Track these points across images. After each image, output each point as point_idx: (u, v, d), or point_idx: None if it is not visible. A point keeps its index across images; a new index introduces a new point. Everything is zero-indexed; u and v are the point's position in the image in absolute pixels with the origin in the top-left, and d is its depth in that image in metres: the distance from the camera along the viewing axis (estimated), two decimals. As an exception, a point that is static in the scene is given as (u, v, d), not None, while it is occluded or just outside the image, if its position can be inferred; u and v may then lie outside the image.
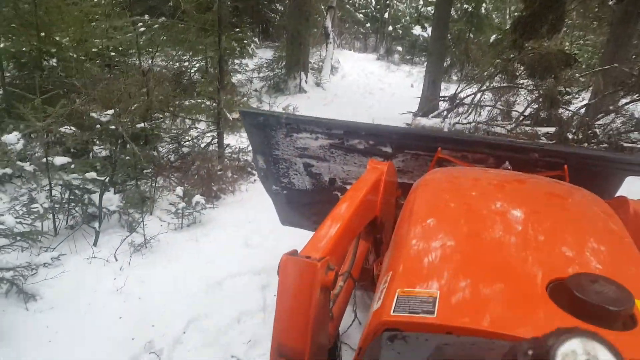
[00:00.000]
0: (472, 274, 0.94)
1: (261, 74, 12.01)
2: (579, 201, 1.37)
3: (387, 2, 22.08)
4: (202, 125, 5.31)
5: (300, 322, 1.01)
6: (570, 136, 6.53)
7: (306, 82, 11.73)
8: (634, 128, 7.05)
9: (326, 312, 1.13)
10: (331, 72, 14.61)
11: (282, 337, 1.04)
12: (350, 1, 22.82)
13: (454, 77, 16.30)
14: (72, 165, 3.36)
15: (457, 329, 0.78)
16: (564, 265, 0.95)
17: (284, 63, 11.79)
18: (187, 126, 5.08)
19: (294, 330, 1.02)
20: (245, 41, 16.09)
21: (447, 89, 13.62)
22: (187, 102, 5.54)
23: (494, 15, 16.15)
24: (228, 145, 5.23)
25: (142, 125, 4.40)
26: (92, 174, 3.46)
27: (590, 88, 8.50)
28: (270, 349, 1.05)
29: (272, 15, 19.23)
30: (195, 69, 10.42)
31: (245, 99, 9.48)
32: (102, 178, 3.43)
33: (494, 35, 15.63)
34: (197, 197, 3.62)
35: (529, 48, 7.52)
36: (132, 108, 4.42)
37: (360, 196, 1.42)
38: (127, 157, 3.82)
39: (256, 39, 18.61)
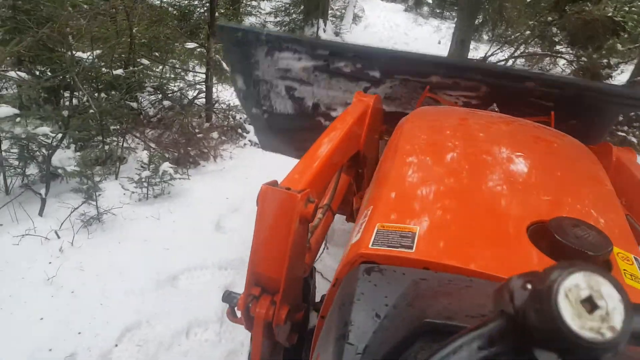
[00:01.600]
0: (454, 213, 0.93)
1: (277, 19, 11.02)
2: (564, 147, 1.34)
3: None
4: (196, 77, 4.60)
5: (277, 252, 1.00)
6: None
7: (324, 30, 10.75)
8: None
9: (304, 244, 1.11)
10: (353, 22, 13.47)
11: (259, 266, 1.03)
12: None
13: (485, 37, 15.01)
14: (18, 119, 2.79)
15: (434, 265, 0.77)
16: (546, 208, 0.94)
17: (302, 7, 10.78)
18: (175, 74, 4.37)
19: (270, 260, 1.02)
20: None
21: (477, 49, 12.51)
22: (180, 46, 4.82)
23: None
24: (217, 101, 4.55)
25: (120, 71, 3.76)
26: (44, 129, 2.89)
27: (635, 61, 7.50)
28: (245, 276, 1.04)
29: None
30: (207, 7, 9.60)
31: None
32: (54, 134, 2.85)
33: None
34: (165, 166, 3.01)
35: (572, 12, 6.51)
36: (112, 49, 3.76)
37: (345, 129, 1.38)
38: (92, 110, 3.20)
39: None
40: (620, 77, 7.27)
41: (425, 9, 17.03)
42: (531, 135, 1.36)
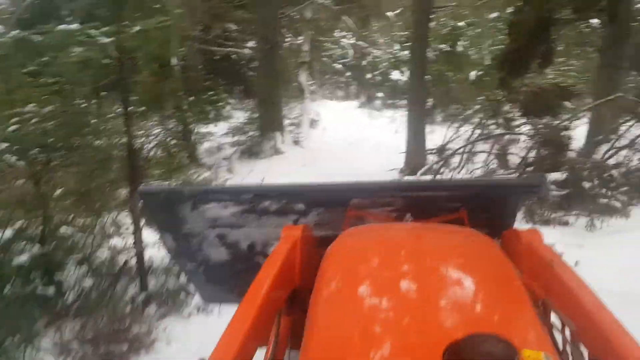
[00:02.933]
0: (379, 352, 0.94)
1: (235, 138, 10.90)
2: (472, 250, 1.36)
3: (364, 50, 21.54)
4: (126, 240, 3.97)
5: None
6: (586, 184, 5.31)
7: (283, 142, 10.64)
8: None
9: None
10: (311, 126, 13.59)
11: None
12: (329, 53, 22.32)
13: (439, 118, 15.34)
14: None
15: None
16: (461, 325, 0.94)
17: (258, 124, 10.75)
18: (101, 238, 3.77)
19: None
20: (220, 103, 15.29)
21: (433, 132, 12.63)
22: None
23: (469, 52, 15.36)
24: (151, 266, 3.85)
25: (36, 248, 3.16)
26: None
27: (585, 119, 7.43)
28: None
29: (252, 74, 18.43)
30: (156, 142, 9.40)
31: (207, 173, 8.34)
32: None
33: (474, 72, 14.81)
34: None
35: (520, 86, 6.45)
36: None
37: (274, 272, 1.38)
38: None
39: (231, 101, 17.83)
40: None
41: (378, 102, 17.59)
42: (443, 245, 1.38)
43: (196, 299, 3.67)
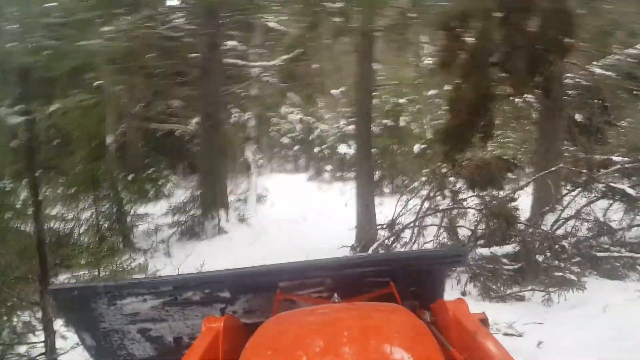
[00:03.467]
0: None
1: (176, 217, 10.25)
2: (393, 330, 1.36)
3: (311, 125, 22.03)
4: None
5: None
6: (539, 258, 5.19)
7: (227, 220, 10.14)
8: (599, 233, 5.88)
9: None
10: (258, 202, 13.22)
11: None
12: (276, 127, 22.62)
13: (386, 190, 15.49)
14: None
15: None
16: None
17: (199, 202, 10.24)
18: None
19: None
20: (161, 181, 14.71)
21: (382, 204, 12.62)
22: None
23: (412, 126, 16.02)
24: None
25: None
26: None
27: (528, 190, 7.59)
28: None
29: (196, 150, 18.14)
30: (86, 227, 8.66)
31: (144, 259, 7.64)
32: None
33: (417, 145, 15.34)
34: None
35: (463, 160, 6.51)
36: None
37: None
38: None
39: (173, 178, 17.27)
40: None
41: (327, 175, 17.66)
42: (362, 327, 1.37)
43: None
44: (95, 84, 9.62)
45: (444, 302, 1.66)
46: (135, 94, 13.89)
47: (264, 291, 2.09)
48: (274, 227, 10.49)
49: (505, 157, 6.27)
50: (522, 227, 5.57)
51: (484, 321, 1.65)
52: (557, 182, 6.43)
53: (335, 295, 1.95)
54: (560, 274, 4.79)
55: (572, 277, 4.72)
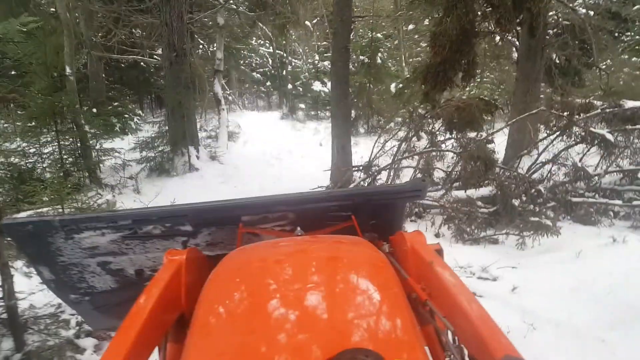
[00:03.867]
0: None
1: (144, 153, 9.76)
2: (354, 261, 1.38)
3: (284, 60, 21.09)
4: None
5: None
6: (515, 202, 5.14)
7: (198, 157, 9.74)
8: (575, 178, 5.86)
9: None
10: (231, 139, 12.77)
11: None
12: (247, 61, 21.56)
13: (361, 130, 15.25)
14: None
15: None
16: (336, 342, 0.96)
17: (167, 138, 9.73)
18: None
19: None
20: (127, 115, 13.95)
21: (357, 144, 12.41)
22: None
23: (389, 64, 15.47)
24: (27, 320, 3.01)
25: None
26: None
27: (504, 132, 7.48)
28: None
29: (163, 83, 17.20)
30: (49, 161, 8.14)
31: (112, 195, 7.29)
32: None
33: (393, 84, 14.91)
34: None
35: (444, 101, 6.25)
36: None
37: (154, 297, 1.32)
38: None
39: (140, 112, 16.41)
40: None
41: (301, 113, 17.16)
42: (326, 257, 1.38)
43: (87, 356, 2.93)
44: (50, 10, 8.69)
45: (402, 234, 1.69)
46: (94, 21, 12.76)
47: (226, 225, 2.10)
48: (247, 166, 10.19)
49: (485, 98, 6.02)
50: (498, 170, 5.46)
51: (439, 251, 1.74)
52: (535, 125, 6.29)
53: (299, 228, 1.96)
54: (536, 218, 4.73)
55: (548, 222, 4.69)
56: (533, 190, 5.42)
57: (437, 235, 5.25)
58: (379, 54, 14.16)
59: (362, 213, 2.07)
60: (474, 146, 5.34)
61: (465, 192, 5.62)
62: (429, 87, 6.10)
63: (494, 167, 5.26)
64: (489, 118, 5.96)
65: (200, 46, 16.26)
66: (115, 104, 14.26)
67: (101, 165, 9.44)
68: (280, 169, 10.13)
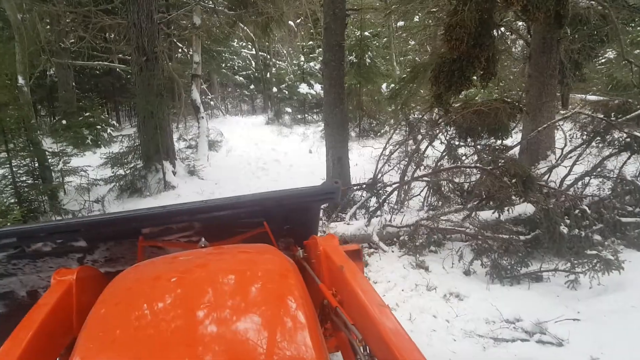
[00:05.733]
0: None
1: (115, 170, 8.48)
2: (255, 274, 1.31)
3: (267, 62, 19.85)
4: None
5: None
6: (565, 230, 4.06)
7: (174, 172, 8.50)
8: (622, 192, 4.81)
9: None
10: (213, 149, 11.51)
11: None
12: (229, 64, 20.26)
13: (352, 134, 14.11)
14: None
15: None
16: (230, 357, 0.93)
17: (140, 153, 8.47)
18: None
19: None
20: (100, 126, 12.61)
21: (349, 150, 11.29)
22: None
23: (378, 63, 14.35)
24: None
25: None
26: None
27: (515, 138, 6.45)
28: None
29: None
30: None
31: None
32: None
33: (384, 84, 13.81)
34: None
35: (463, 106, 5.17)
36: None
37: (36, 325, 1.21)
38: None
39: (115, 123, 15.03)
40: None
41: (287, 117, 15.95)
42: (221, 273, 1.30)
43: None
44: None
45: (315, 238, 1.67)
46: (60, 26, 11.41)
47: (125, 238, 1.96)
48: (229, 179, 8.98)
49: (508, 100, 4.95)
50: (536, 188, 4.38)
51: (357, 252, 1.82)
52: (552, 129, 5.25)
53: (202, 239, 1.80)
54: (594, 251, 3.66)
55: (609, 254, 3.62)
56: (577, 211, 4.35)
57: (467, 273, 4.15)
58: (368, 53, 13.04)
59: (275, 218, 1.99)
60: (508, 159, 4.25)
61: (499, 214, 4.52)
62: (442, 89, 5.00)
63: (534, 185, 4.18)
64: (514, 123, 4.88)
65: (180, 50, 14.96)
66: (87, 114, 12.90)
67: (65, 187, 8.18)
68: (267, 181, 8.94)
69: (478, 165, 4.26)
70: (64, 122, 13.20)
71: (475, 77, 5.16)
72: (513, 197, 4.42)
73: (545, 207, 3.95)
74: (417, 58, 15.12)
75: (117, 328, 1.08)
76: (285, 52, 21.78)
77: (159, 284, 1.26)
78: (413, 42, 16.34)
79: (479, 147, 5.01)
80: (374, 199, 5.30)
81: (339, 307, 1.27)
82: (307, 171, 9.47)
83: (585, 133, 4.99)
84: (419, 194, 5.62)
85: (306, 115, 15.85)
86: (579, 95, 11.34)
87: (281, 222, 2.03)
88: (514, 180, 4.13)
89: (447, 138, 5.15)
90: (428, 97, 10.23)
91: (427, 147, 5.07)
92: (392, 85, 13.38)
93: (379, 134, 12.27)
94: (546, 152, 6.66)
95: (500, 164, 4.19)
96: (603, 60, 12.05)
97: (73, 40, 12.49)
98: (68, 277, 1.48)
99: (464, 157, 5.31)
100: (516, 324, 3.40)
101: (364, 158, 10.38)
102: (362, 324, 1.14)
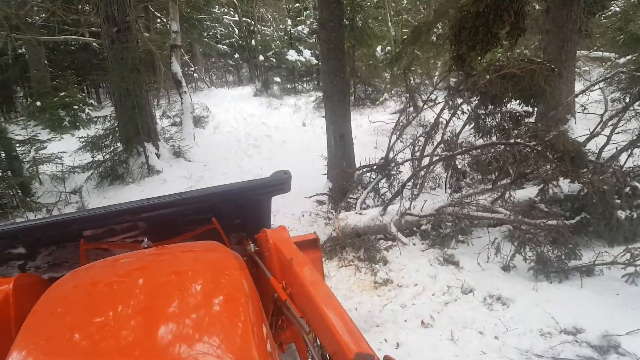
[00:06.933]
0: None
1: (93, 155, 7.60)
2: (197, 274, 1.26)
3: (252, 28, 18.57)
4: None
5: None
6: (622, 214, 3.39)
7: (158, 155, 7.66)
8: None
9: None
10: (199, 125, 10.59)
11: None
12: (211, 32, 18.94)
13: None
14: None
15: None
16: None
17: (118, 135, 7.58)
18: None
19: None
20: (77, 106, 11.59)
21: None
22: None
23: (371, 24, 13.30)
24: None
25: None
26: None
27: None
28: None
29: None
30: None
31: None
32: None
33: (379, 47, 12.83)
34: None
35: (486, 67, 4.38)
36: None
37: None
38: None
39: (93, 102, 13.92)
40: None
41: (276, 87, 14.95)
42: (163, 274, 1.24)
43: None
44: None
45: (265, 231, 1.62)
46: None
47: (67, 242, 1.86)
48: (219, 161, 8.16)
49: (544, 62, 4.16)
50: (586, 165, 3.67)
51: (314, 241, 1.76)
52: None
53: (145, 240, 1.70)
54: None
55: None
56: (628, 189, 3.67)
57: (506, 269, 3.49)
58: (359, 14, 11.99)
59: (225, 213, 1.92)
60: (555, 134, 3.52)
61: (541, 196, 3.83)
62: (464, 49, 4.20)
63: (584, 162, 3.47)
64: (551, 88, 4.11)
65: (158, 20, 13.73)
66: (63, 93, 11.82)
67: (38, 177, 7.33)
68: (260, 160, 8.16)
69: (519, 141, 3.51)
70: (38, 103, 12.13)
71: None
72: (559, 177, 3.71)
73: (600, 188, 3.25)
74: (409, 18, 14.07)
75: (50, 340, 1.02)
76: (270, 16, 20.46)
77: (96, 289, 1.21)
78: (406, 2, 15.23)
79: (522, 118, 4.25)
80: (384, 182, 4.57)
81: (288, 300, 1.25)
82: (302, 147, 8.67)
83: (629, 95, 4.24)
84: (440, 175, 4.91)
85: (296, 84, 14.86)
86: (582, 52, 10.54)
87: (232, 216, 1.98)
88: (562, 157, 3.41)
89: (471, 107, 4.38)
90: (433, 60, 9.34)
91: (450, 119, 4.30)
92: (389, 48, 12.44)
93: (377, 102, 11.39)
94: (566, 116, 5.95)
95: (547, 139, 3.45)
96: (609, 14, 11.19)
97: (44, 15, 11.30)
98: (4, 287, 1.39)
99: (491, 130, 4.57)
100: (578, 336, 2.77)
101: (363, 130, 9.60)
102: (311, 316, 1.13)
